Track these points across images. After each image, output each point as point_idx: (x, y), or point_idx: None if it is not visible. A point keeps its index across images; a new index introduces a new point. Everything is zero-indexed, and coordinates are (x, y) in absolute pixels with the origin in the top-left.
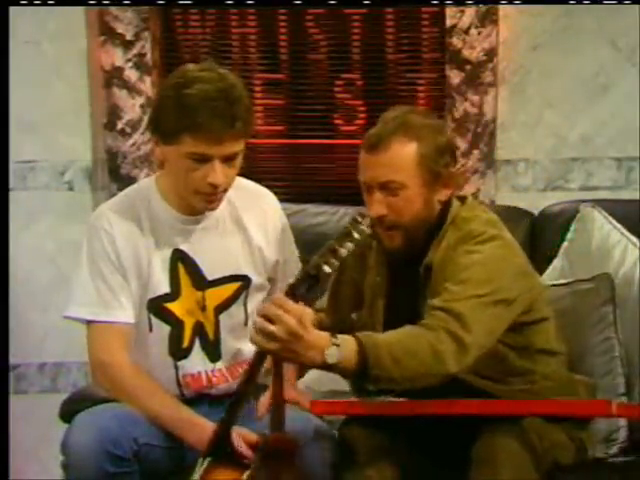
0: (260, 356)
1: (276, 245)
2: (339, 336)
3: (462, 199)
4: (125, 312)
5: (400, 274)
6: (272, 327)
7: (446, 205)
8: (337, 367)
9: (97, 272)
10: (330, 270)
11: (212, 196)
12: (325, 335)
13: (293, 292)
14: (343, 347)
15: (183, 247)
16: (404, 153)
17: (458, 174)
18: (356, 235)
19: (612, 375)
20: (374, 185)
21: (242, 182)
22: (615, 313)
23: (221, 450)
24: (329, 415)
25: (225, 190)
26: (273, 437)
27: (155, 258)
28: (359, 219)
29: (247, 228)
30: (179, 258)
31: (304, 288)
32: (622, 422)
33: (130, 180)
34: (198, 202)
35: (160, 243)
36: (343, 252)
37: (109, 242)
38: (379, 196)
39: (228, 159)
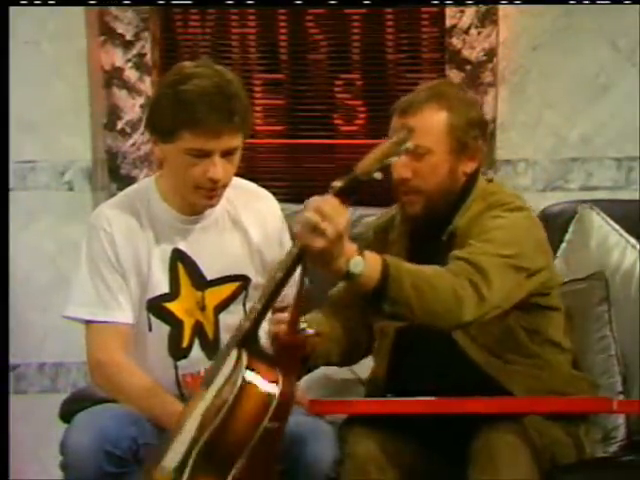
0: (299, 255)
1: (275, 245)
2: (366, 251)
3: (489, 181)
4: (123, 312)
5: (422, 245)
6: (325, 224)
7: (471, 179)
8: (359, 279)
9: (96, 272)
10: (380, 177)
11: (212, 192)
12: (354, 246)
13: (340, 194)
14: (368, 260)
15: (182, 247)
16: (434, 119)
17: (485, 148)
18: (405, 146)
19: (609, 374)
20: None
21: (241, 182)
22: (610, 312)
23: (254, 344)
24: (328, 414)
25: (225, 185)
26: (286, 336)
27: (154, 258)
28: (405, 134)
29: (246, 228)
30: (178, 258)
31: (350, 192)
32: (621, 421)
33: (130, 180)
34: (198, 199)
35: (159, 243)
36: (393, 160)
37: (108, 242)
38: (405, 159)
39: (227, 154)
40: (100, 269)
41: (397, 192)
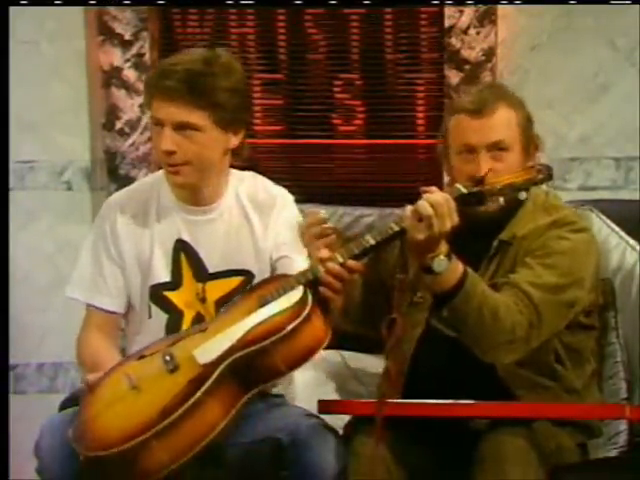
0: (398, 233)
1: (282, 242)
2: (454, 256)
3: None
4: (112, 300)
5: (466, 243)
6: (435, 221)
7: None
8: (436, 279)
9: (95, 258)
10: (495, 199)
11: (170, 167)
12: (446, 245)
13: (459, 200)
14: (452, 265)
15: (186, 238)
16: (509, 117)
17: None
18: (539, 186)
19: (614, 379)
20: (481, 146)
21: (253, 176)
22: (617, 318)
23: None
24: (336, 414)
25: (186, 163)
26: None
27: (158, 246)
28: (544, 176)
29: (254, 224)
30: (181, 249)
31: (469, 202)
32: (623, 427)
33: (129, 180)
34: (167, 175)
35: (165, 233)
36: (522, 196)
37: (111, 232)
38: (482, 158)
39: (181, 127)
40: (99, 256)
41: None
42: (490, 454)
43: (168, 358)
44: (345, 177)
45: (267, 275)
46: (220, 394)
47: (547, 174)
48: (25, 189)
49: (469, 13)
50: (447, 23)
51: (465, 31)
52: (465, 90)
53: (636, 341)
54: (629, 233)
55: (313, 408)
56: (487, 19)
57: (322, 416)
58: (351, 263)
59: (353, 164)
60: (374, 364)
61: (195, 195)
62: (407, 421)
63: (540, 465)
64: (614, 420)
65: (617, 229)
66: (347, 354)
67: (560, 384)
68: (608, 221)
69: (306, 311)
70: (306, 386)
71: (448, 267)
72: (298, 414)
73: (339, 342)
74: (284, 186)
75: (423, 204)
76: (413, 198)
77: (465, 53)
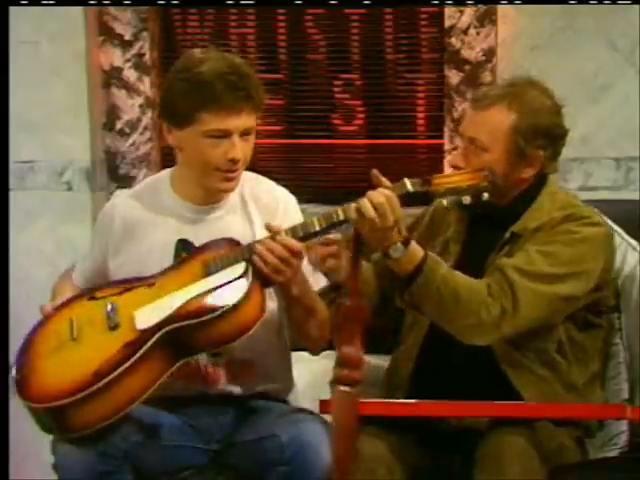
0: (339, 223)
1: None
2: (413, 242)
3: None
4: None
5: (479, 234)
6: (376, 218)
7: (538, 182)
8: (395, 264)
9: (91, 251)
10: (467, 202)
11: (232, 173)
12: (403, 233)
13: (403, 197)
14: (410, 250)
15: (189, 237)
16: (499, 119)
17: (547, 157)
18: (484, 197)
19: (617, 380)
20: (464, 137)
21: (257, 178)
22: (621, 319)
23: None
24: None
25: (243, 166)
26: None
27: (160, 246)
28: (486, 185)
29: (255, 225)
30: (183, 248)
31: (413, 200)
32: (623, 427)
33: (129, 180)
34: (217, 182)
35: (167, 232)
36: (466, 200)
37: (107, 228)
38: (464, 149)
39: (244, 134)
40: (93, 249)
41: None
42: (491, 453)
43: (111, 311)
44: (345, 177)
45: None
46: (153, 360)
47: (488, 185)
48: (25, 189)
49: (469, 13)
50: (447, 23)
51: (465, 31)
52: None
53: (637, 342)
54: (629, 233)
55: (313, 407)
56: (487, 19)
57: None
58: (289, 242)
59: (353, 164)
60: (374, 364)
61: (205, 194)
62: (409, 421)
63: (541, 465)
64: (615, 421)
65: (619, 230)
66: None
67: (559, 377)
68: (609, 222)
69: (245, 290)
70: (306, 386)
71: (406, 253)
72: (297, 412)
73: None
74: (284, 186)
75: (365, 205)
76: None
77: (465, 53)
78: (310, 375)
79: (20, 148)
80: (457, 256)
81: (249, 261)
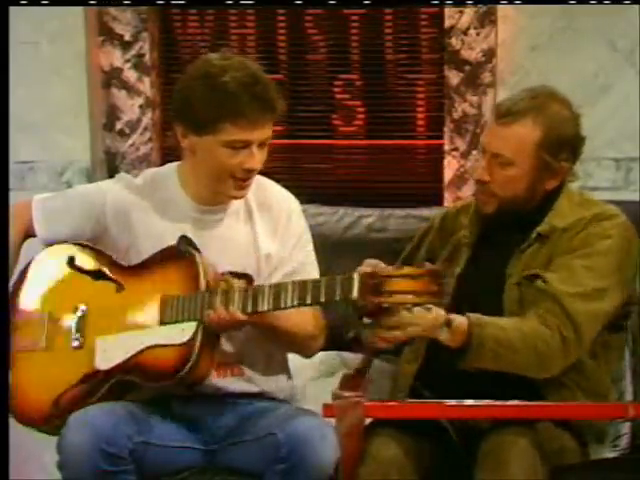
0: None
1: (286, 249)
2: (453, 316)
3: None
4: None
5: (493, 234)
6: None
7: (556, 188)
8: (443, 342)
9: (65, 214)
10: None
11: (246, 181)
12: (441, 313)
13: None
14: (454, 328)
15: (191, 235)
16: (524, 135)
17: (570, 168)
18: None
19: (621, 382)
20: (487, 151)
21: (262, 181)
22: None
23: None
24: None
25: (256, 174)
26: None
27: (161, 239)
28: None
29: (257, 229)
30: (186, 244)
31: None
32: (626, 429)
33: None
34: (230, 189)
35: (169, 227)
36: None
37: (100, 209)
38: (487, 162)
39: (262, 144)
40: (72, 218)
41: (476, 189)
42: (493, 453)
43: (78, 323)
44: (345, 178)
45: (264, 281)
46: (106, 397)
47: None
48: (25, 190)
49: (469, 14)
50: (447, 24)
51: (465, 32)
52: (518, 92)
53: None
54: None
55: (315, 404)
56: (487, 20)
57: None
58: (235, 314)
59: (353, 165)
60: (373, 365)
61: (212, 196)
62: (420, 422)
63: (542, 465)
64: (617, 422)
65: None
66: (346, 355)
67: (584, 379)
68: None
69: (194, 356)
70: (305, 387)
71: (450, 331)
72: (296, 412)
73: (338, 344)
74: (284, 186)
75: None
76: (413, 198)
77: (465, 54)
78: (307, 377)
79: (20, 148)
80: (467, 259)
81: (200, 321)
